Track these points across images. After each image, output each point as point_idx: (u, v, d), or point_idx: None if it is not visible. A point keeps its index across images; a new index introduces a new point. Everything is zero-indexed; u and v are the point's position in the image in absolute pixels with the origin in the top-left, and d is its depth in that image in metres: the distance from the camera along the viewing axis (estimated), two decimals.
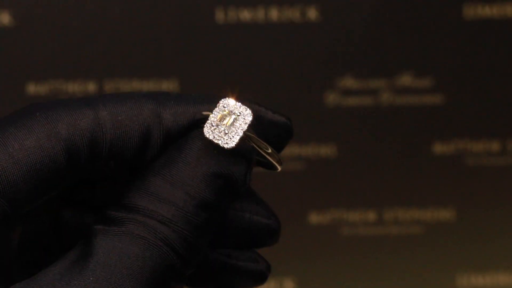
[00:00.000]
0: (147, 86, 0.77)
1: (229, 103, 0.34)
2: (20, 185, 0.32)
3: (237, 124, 0.34)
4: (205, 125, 0.34)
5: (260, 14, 0.77)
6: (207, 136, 0.34)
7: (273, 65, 0.78)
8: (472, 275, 0.82)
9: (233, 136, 0.34)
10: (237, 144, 0.34)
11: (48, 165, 0.32)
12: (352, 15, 0.77)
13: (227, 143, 0.34)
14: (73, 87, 0.77)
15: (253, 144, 0.35)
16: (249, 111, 0.34)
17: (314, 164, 0.80)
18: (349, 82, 0.79)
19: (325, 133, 0.80)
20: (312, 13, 0.77)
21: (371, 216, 0.81)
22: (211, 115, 0.34)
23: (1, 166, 0.32)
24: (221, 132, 0.34)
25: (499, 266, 0.82)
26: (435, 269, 0.81)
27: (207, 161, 0.34)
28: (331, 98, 0.79)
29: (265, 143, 0.35)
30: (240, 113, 0.34)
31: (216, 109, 0.34)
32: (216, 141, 0.34)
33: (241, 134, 0.34)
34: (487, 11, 0.78)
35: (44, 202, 0.34)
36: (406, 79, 0.79)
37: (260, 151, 0.35)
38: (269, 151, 0.35)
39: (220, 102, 0.34)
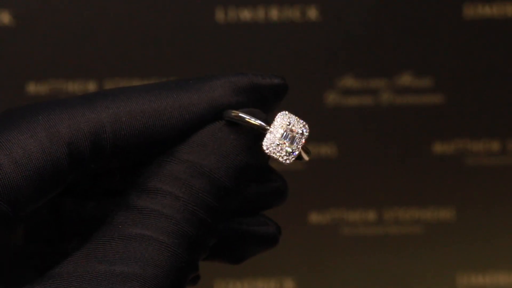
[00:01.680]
0: None
1: (290, 119, 0.35)
2: (23, 189, 0.32)
3: (299, 142, 0.35)
4: (265, 141, 0.35)
5: (260, 13, 0.77)
6: (268, 152, 0.35)
7: (273, 65, 0.77)
8: (472, 275, 0.82)
9: (294, 153, 0.35)
10: (294, 159, 0.35)
11: (51, 169, 0.32)
12: (352, 15, 0.77)
13: (288, 159, 0.35)
14: (73, 87, 0.77)
15: (302, 152, 0.35)
16: (307, 126, 0.35)
17: (314, 164, 0.80)
18: (349, 82, 0.79)
19: (325, 133, 0.80)
20: (312, 13, 0.77)
21: (371, 216, 0.81)
22: (270, 132, 0.35)
23: (4, 171, 0.32)
24: (283, 150, 0.35)
25: (499, 266, 0.82)
26: (435, 269, 0.81)
27: (239, 155, 0.34)
28: (331, 98, 0.79)
29: (307, 147, 0.36)
30: (301, 131, 0.35)
31: (277, 124, 0.35)
32: (276, 157, 0.35)
33: (300, 149, 0.35)
34: (487, 11, 0.78)
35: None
36: (406, 79, 0.79)
37: (305, 156, 0.36)
38: (309, 152, 0.36)
39: (279, 116, 0.35)
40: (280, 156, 0.35)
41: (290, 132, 0.35)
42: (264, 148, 0.35)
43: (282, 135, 0.35)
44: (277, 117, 0.35)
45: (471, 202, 0.81)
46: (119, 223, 0.33)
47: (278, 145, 0.35)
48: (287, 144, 0.35)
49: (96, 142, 0.33)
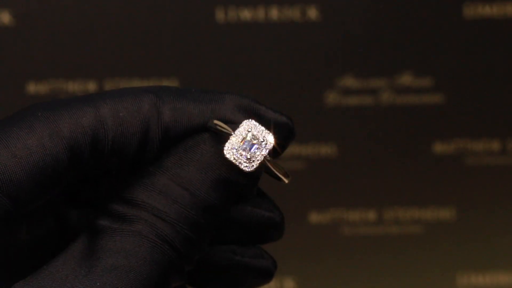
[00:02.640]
0: (147, 85, 0.77)
1: (253, 127, 0.35)
2: (23, 184, 0.32)
3: (259, 150, 0.34)
4: (226, 145, 0.34)
5: (260, 13, 0.77)
6: (228, 157, 0.34)
7: (273, 65, 0.78)
8: (472, 274, 0.82)
9: (254, 161, 0.34)
10: (256, 168, 0.34)
11: (51, 164, 0.32)
12: (352, 15, 0.77)
13: (247, 167, 0.34)
14: (73, 87, 0.77)
15: (270, 165, 0.35)
16: (271, 136, 0.35)
17: (314, 163, 0.80)
18: (349, 81, 0.79)
19: (325, 132, 0.80)
20: (312, 13, 0.77)
21: (371, 215, 0.81)
22: (233, 137, 0.34)
23: (4, 165, 0.32)
24: (243, 156, 0.34)
25: (499, 266, 0.82)
26: (435, 269, 0.81)
27: (218, 167, 0.34)
28: (331, 98, 0.79)
29: (280, 165, 0.35)
30: (263, 139, 0.34)
31: (240, 130, 0.34)
32: (236, 163, 0.34)
33: (261, 159, 0.34)
34: (487, 10, 0.78)
35: (49, 201, 0.34)
36: (406, 79, 0.79)
37: (275, 171, 0.35)
38: (282, 170, 0.35)
39: (244, 123, 0.34)
40: (239, 163, 0.34)
41: (251, 140, 0.34)
42: (225, 153, 0.34)
43: (242, 141, 0.34)
44: (241, 124, 0.35)
45: (471, 202, 0.81)
46: (99, 225, 0.33)
47: (237, 150, 0.34)
48: (247, 150, 0.34)
49: (95, 137, 0.33)
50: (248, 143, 0.34)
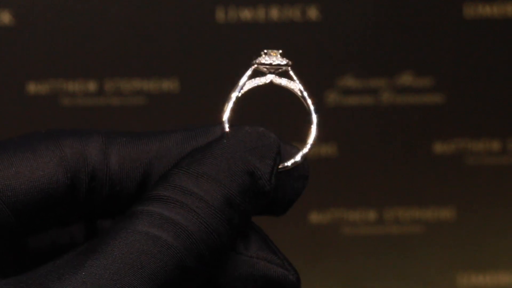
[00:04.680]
0: (147, 85, 0.77)
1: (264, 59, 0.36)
2: (24, 197, 0.32)
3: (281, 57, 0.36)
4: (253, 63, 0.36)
5: (260, 13, 0.77)
6: (260, 67, 0.36)
7: None
8: (472, 274, 0.82)
9: (284, 61, 0.36)
10: (288, 63, 0.37)
11: (51, 183, 0.33)
12: (352, 15, 0.77)
13: (280, 64, 0.36)
14: (74, 87, 0.77)
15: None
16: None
17: (314, 163, 0.80)
18: (349, 81, 0.79)
19: (326, 132, 0.79)
20: (313, 13, 0.77)
21: (372, 215, 0.81)
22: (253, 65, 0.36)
23: (4, 177, 0.32)
24: (273, 60, 0.36)
25: (499, 266, 0.82)
26: (435, 268, 0.81)
27: (233, 157, 0.34)
28: (332, 98, 0.79)
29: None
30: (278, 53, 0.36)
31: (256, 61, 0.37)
32: (273, 62, 0.36)
33: (288, 63, 0.36)
34: (487, 10, 0.78)
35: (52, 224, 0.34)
36: (406, 79, 0.79)
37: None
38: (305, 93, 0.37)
39: (254, 61, 0.37)
40: (270, 63, 0.36)
41: (271, 53, 0.36)
42: (256, 65, 0.36)
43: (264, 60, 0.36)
44: (252, 62, 0.37)
45: (471, 201, 0.81)
46: (115, 229, 0.33)
47: (269, 62, 0.36)
48: (273, 55, 0.36)
49: (95, 165, 0.33)
50: (270, 57, 0.36)
